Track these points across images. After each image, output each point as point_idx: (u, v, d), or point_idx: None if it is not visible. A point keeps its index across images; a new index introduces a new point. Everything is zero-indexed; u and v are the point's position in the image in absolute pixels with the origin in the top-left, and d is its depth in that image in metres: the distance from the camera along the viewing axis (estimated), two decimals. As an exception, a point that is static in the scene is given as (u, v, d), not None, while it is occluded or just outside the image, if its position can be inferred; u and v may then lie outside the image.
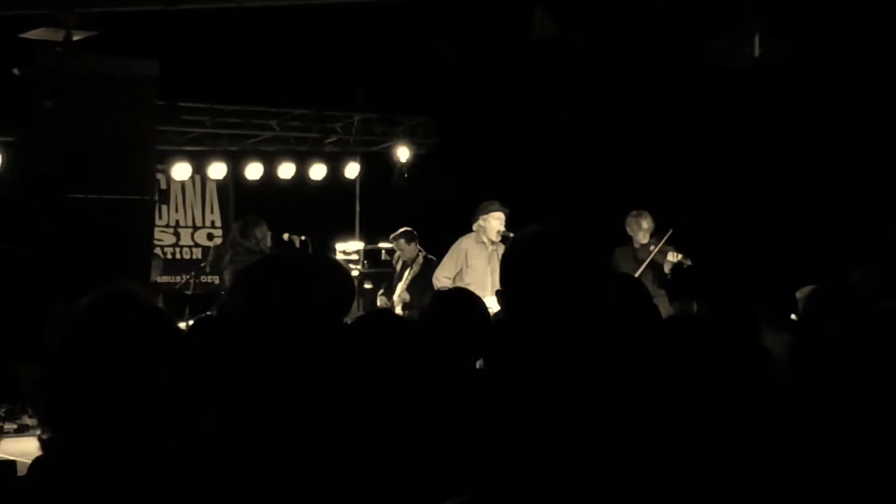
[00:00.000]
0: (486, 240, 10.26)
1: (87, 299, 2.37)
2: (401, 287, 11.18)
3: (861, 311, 3.96)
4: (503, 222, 10.23)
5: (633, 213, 10.36)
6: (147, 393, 2.33)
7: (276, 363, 3.13)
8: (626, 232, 10.46)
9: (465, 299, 4.71)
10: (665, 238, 10.18)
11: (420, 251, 11.16)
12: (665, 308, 9.11)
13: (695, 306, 5.73)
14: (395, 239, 11.39)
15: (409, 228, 11.33)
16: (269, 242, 10.12)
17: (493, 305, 9.49)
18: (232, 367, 3.33)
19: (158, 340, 2.38)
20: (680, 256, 9.98)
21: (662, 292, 9.79)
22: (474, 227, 10.31)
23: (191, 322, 10.22)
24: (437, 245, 11.13)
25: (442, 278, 10.33)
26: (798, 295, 5.24)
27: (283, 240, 10.94)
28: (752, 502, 3.34)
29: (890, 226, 10.97)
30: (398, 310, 11.07)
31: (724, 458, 3.35)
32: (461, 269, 10.28)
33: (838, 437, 3.51)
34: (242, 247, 10.09)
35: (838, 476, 3.41)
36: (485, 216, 10.23)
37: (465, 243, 10.38)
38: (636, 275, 9.09)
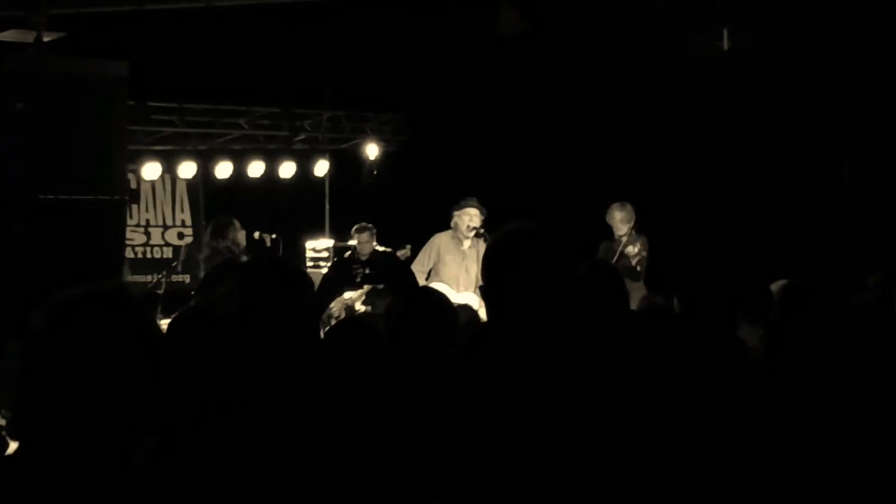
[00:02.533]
0: (459, 236, 10.34)
1: (74, 292, 2.35)
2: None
3: (833, 307, 4.03)
4: (474, 218, 10.28)
5: (612, 205, 10.38)
6: (124, 391, 2.30)
7: (269, 362, 3.17)
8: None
9: (432, 304, 4.61)
10: (631, 228, 10.19)
11: (375, 246, 11.10)
12: (635, 302, 9.15)
13: (675, 301, 5.77)
14: (356, 233, 11.49)
15: (363, 223, 11.38)
16: (242, 242, 10.10)
17: (466, 300, 9.59)
18: (221, 365, 3.38)
19: (142, 341, 2.35)
20: (638, 247, 9.98)
21: (639, 284, 9.80)
22: (451, 222, 10.40)
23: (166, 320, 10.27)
24: (406, 241, 11.18)
25: (416, 272, 10.44)
26: (773, 288, 5.32)
27: (253, 238, 10.92)
28: (729, 487, 3.42)
29: (861, 218, 11.10)
30: (358, 305, 11.13)
31: (701, 445, 3.41)
32: (434, 264, 10.37)
33: (813, 424, 3.58)
34: (216, 247, 10.08)
35: (811, 463, 3.49)
36: (459, 212, 10.33)
37: (439, 239, 10.47)
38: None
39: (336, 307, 10.79)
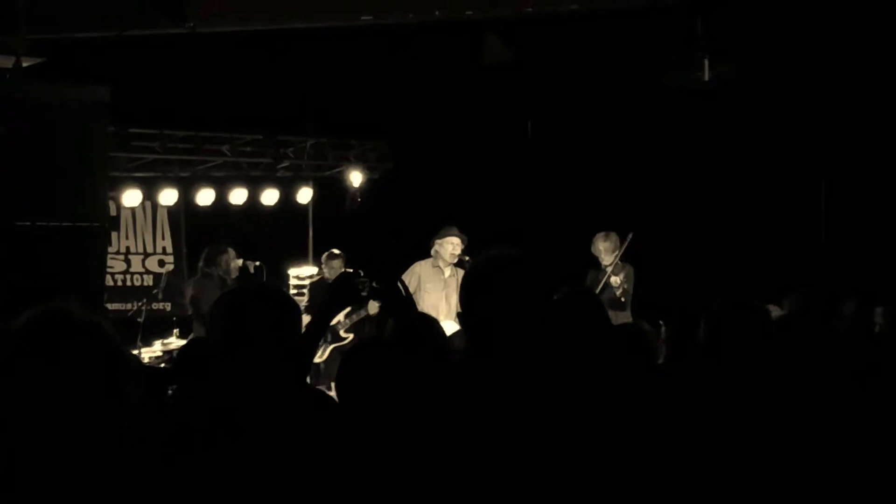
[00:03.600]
0: (441, 264, 10.31)
1: (23, 318, 2.34)
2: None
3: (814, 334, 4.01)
4: (458, 247, 10.26)
5: (597, 234, 10.34)
6: (86, 413, 2.28)
7: (257, 387, 3.14)
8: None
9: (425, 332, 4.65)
10: (620, 251, 10.16)
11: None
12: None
13: (662, 328, 5.77)
14: (328, 260, 11.52)
15: (334, 251, 11.45)
16: (234, 270, 10.10)
17: (447, 328, 9.53)
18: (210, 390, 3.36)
19: (98, 359, 2.32)
20: (622, 278, 9.98)
21: (625, 314, 9.78)
22: (431, 251, 10.35)
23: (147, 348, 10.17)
24: (390, 269, 11.11)
25: None
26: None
27: (239, 266, 10.88)
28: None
29: (839, 243, 11.13)
30: (342, 332, 11.10)
31: (679, 467, 3.37)
32: (415, 293, 10.30)
33: (786, 442, 3.55)
34: (209, 273, 10.06)
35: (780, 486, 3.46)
36: (440, 240, 10.29)
37: (419, 267, 10.43)
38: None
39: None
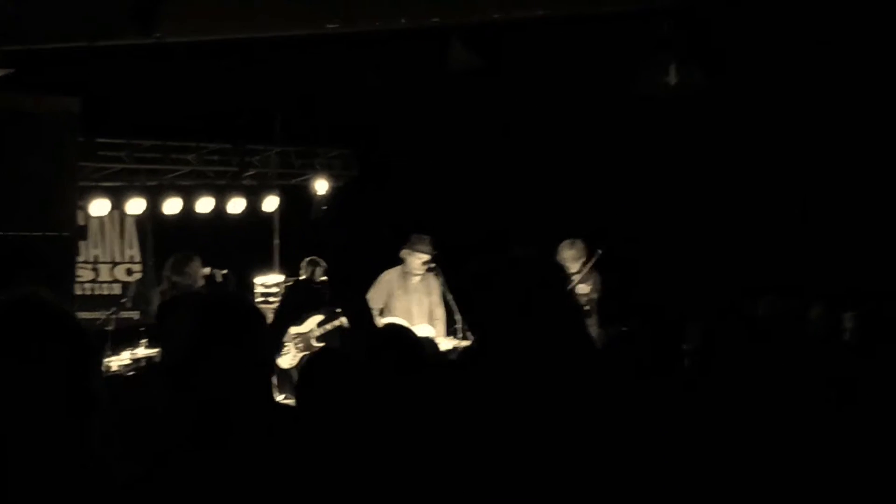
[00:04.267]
0: (410, 271, 10.41)
1: None
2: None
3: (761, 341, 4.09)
4: (426, 261, 10.35)
5: (563, 242, 10.39)
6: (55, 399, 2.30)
7: (222, 399, 3.16)
8: None
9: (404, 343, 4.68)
10: (589, 264, 10.24)
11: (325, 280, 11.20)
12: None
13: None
14: (308, 266, 11.56)
15: (314, 258, 11.50)
16: (201, 279, 10.09)
17: (422, 332, 9.62)
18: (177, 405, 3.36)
19: (69, 345, 2.35)
20: (590, 287, 10.09)
21: (591, 321, 9.86)
22: (401, 255, 10.45)
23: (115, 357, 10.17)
24: (357, 276, 11.18)
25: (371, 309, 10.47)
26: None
27: (204, 274, 10.89)
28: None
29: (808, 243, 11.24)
30: (314, 342, 11.12)
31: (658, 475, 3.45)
32: (387, 299, 10.41)
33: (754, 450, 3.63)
34: (176, 282, 10.05)
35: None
36: (410, 252, 10.37)
37: (387, 275, 10.52)
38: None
39: (292, 338, 10.81)
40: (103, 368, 10.29)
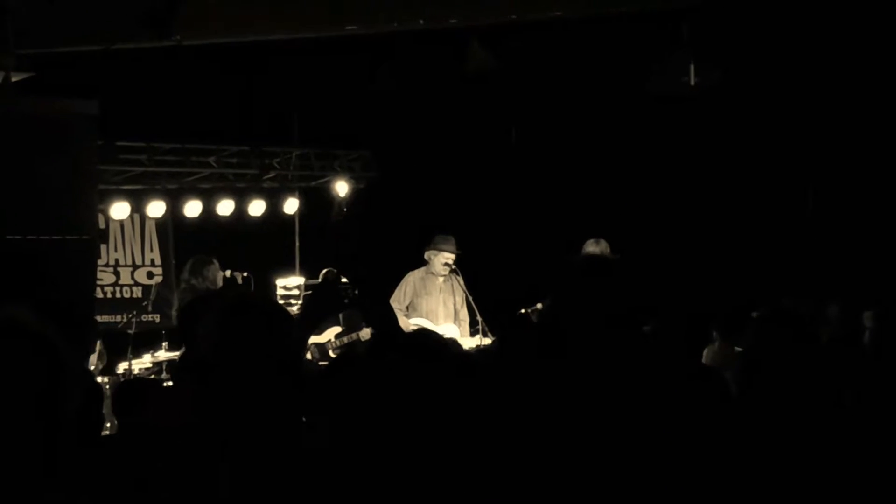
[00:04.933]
0: (434, 272, 10.45)
1: None
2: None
3: (807, 342, 4.06)
4: (450, 261, 10.37)
5: (587, 241, 10.32)
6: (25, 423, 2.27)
7: (246, 401, 3.15)
8: None
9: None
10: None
11: None
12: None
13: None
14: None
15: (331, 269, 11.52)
16: (219, 281, 10.11)
17: (447, 332, 9.64)
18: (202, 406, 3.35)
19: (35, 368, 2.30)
20: None
21: None
22: (425, 255, 10.49)
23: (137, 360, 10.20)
24: (379, 278, 11.19)
25: (395, 309, 10.52)
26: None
27: (225, 277, 10.92)
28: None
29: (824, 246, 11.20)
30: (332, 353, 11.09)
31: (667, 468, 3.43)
32: (412, 300, 10.44)
33: (775, 452, 3.60)
34: (194, 285, 10.09)
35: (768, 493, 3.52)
36: (434, 252, 10.40)
37: (412, 277, 10.56)
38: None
39: (308, 347, 10.80)
40: (121, 372, 10.36)
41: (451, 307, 10.44)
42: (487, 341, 9.66)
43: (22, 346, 2.31)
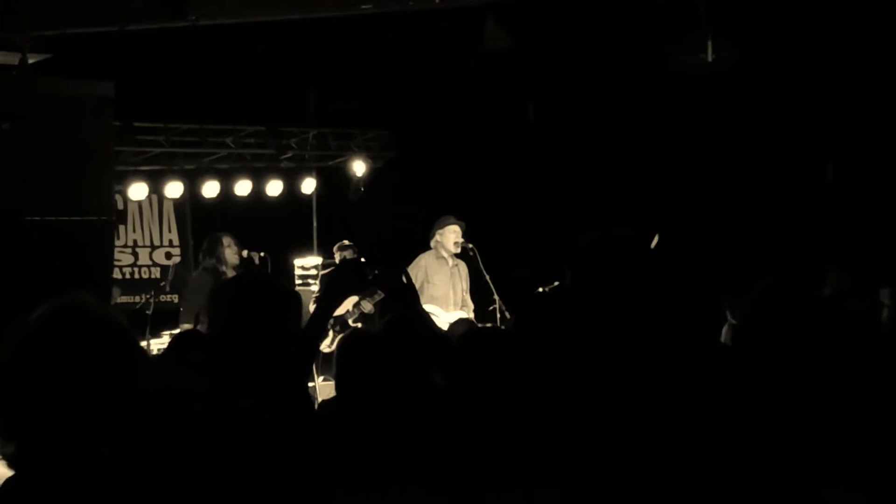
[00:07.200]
0: (445, 254, 10.37)
1: (38, 311, 2.35)
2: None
3: (802, 317, 4.02)
4: (459, 234, 10.33)
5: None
6: (100, 403, 2.29)
7: (254, 380, 3.15)
8: None
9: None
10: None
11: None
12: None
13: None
14: (338, 251, 11.57)
15: (345, 242, 11.52)
16: (232, 259, 10.11)
17: (455, 318, 9.60)
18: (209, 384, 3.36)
19: (110, 350, 2.33)
20: None
21: None
22: (431, 243, 10.42)
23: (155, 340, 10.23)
24: (394, 257, 11.17)
25: None
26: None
27: (242, 257, 10.93)
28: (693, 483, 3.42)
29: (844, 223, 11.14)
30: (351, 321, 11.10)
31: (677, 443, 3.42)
32: (422, 285, 10.37)
33: (772, 420, 3.58)
34: (204, 264, 10.11)
35: (769, 459, 3.50)
36: (441, 230, 10.36)
37: (423, 260, 10.48)
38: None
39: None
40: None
41: (460, 293, 10.42)
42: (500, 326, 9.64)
43: (106, 328, 2.35)
